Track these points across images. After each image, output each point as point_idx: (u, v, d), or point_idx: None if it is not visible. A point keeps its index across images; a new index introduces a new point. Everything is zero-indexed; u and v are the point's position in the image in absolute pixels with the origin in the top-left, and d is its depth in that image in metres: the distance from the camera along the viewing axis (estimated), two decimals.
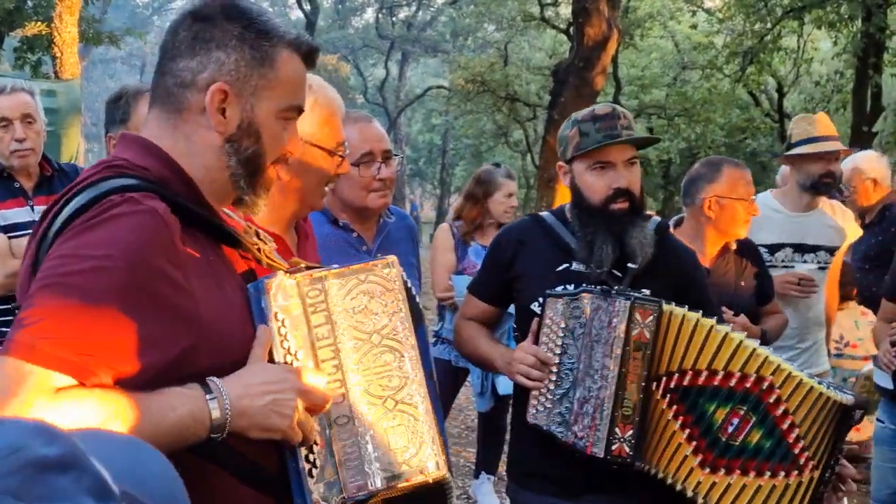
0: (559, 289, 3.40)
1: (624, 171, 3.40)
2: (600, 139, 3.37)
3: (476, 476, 7.14)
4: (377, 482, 2.14)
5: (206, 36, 2.02)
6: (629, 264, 3.41)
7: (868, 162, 6.56)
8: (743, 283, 4.68)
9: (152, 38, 37.12)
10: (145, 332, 1.79)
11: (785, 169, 6.90)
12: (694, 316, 3.15)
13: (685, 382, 3.14)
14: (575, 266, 3.47)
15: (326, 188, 2.76)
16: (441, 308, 6.81)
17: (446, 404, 6.78)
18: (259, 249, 2.19)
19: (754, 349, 3.09)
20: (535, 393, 3.34)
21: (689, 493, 3.12)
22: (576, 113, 3.57)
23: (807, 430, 3.06)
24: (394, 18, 46.30)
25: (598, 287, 3.30)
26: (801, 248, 5.36)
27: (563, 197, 19.03)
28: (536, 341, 3.38)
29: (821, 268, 5.41)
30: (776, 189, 5.73)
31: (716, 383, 3.11)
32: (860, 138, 18.07)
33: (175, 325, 1.85)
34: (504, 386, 6.46)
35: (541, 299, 3.40)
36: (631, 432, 3.13)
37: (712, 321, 3.14)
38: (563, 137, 3.54)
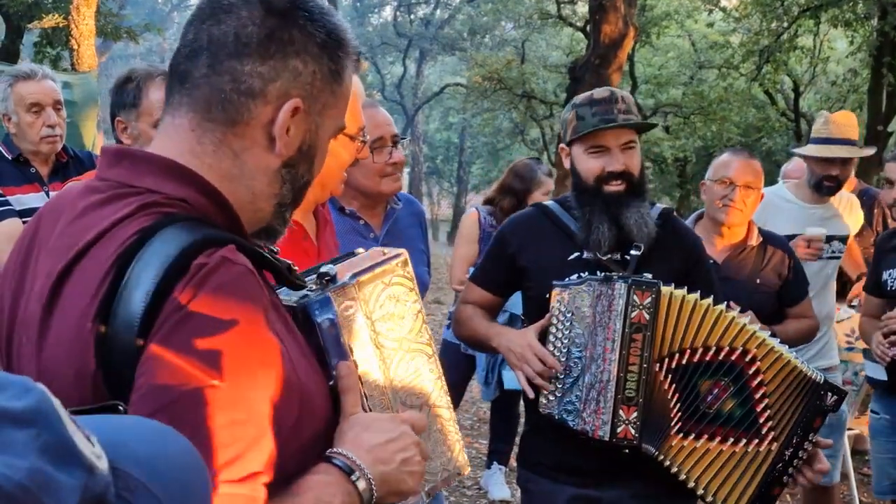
0: (573, 278, 3.39)
1: (620, 154, 3.40)
2: (595, 123, 3.38)
3: (488, 466, 7.12)
4: (425, 496, 2.12)
5: (285, 37, 1.65)
6: (632, 251, 3.41)
7: None
8: (759, 281, 4.59)
9: (171, 34, 37.25)
10: (280, 419, 1.51)
11: (788, 164, 6.97)
12: (692, 297, 3.19)
13: (684, 361, 3.19)
14: (586, 255, 3.46)
15: (344, 176, 2.71)
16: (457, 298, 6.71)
17: (458, 390, 6.76)
18: (289, 270, 1.80)
19: (744, 325, 3.18)
20: (549, 386, 3.34)
21: (682, 477, 3.17)
22: (576, 97, 3.59)
23: (775, 402, 3.17)
24: (412, 16, 46.29)
25: (602, 274, 3.32)
26: None
27: None
28: (545, 335, 3.38)
29: (833, 258, 5.45)
30: (790, 181, 5.75)
31: (708, 358, 3.18)
32: (876, 138, 18.01)
33: (290, 399, 1.55)
34: (510, 380, 6.42)
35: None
36: (635, 414, 3.15)
37: (709, 301, 3.20)
38: (563, 121, 3.57)
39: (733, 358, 3.18)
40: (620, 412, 3.15)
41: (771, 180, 5.19)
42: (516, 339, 3.45)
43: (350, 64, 1.77)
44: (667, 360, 3.20)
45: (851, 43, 21.68)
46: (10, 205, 4.42)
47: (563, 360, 3.31)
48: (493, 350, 3.68)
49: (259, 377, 1.47)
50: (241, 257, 1.53)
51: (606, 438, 3.16)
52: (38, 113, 4.54)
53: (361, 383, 1.84)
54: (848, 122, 5.35)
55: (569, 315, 3.31)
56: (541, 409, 3.36)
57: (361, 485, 1.63)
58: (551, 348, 3.34)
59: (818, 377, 3.16)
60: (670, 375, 3.19)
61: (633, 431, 3.15)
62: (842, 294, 6.43)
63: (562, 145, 3.60)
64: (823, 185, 5.34)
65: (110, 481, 0.92)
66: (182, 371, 1.40)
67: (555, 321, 3.35)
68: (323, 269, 1.89)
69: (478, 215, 6.59)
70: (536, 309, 3.50)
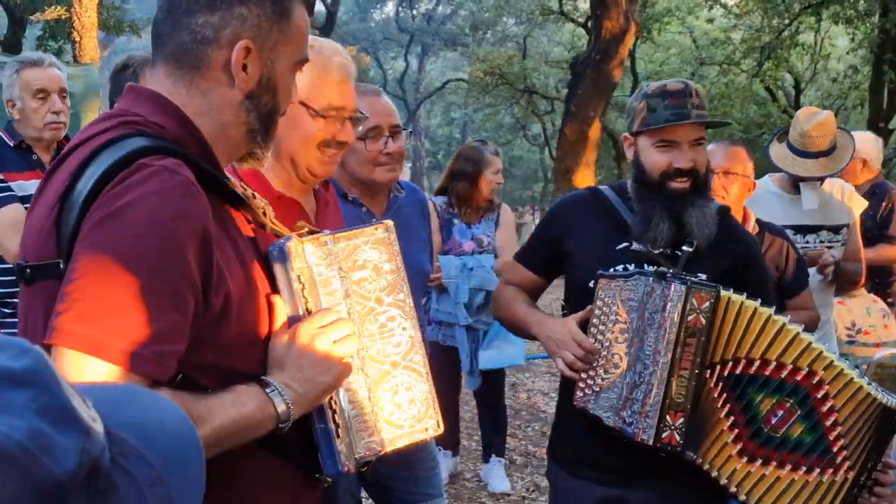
0: (619, 269, 3.29)
1: (689, 151, 3.27)
2: (667, 117, 3.25)
3: (486, 460, 7.09)
4: (386, 443, 2.18)
5: None
6: (684, 246, 3.30)
7: (860, 142, 6.56)
8: None
9: None
10: (195, 315, 1.78)
11: None
12: (752, 304, 3.02)
13: (738, 371, 3.03)
14: (635, 246, 3.34)
15: (328, 156, 2.71)
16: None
17: (452, 384, 6.80)
18: (264, 213, 2.11)
19: (809, 343, 2.99)
20: (582, 376, 3.24)
21: (723, 481, 3.04)
22: (648, 86, 3.47)
23: (848, 429, 2.99)
24: (414, 12, 46.30)
25: (654, 269, 3.18)
26: (801, 229, 5.37)
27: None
28: (586, 325, 3.27)
29: (826, 247, 5.41)
30: (774, 173, 5.73)
31: (767, 374, 3.01)
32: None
33: (214, 302, 1.83)
34: (485, 360, 6.50)
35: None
36: (682, 420, 3.01)
37: (770, 310, 3.02)
38: (631, 109, 3.43)
39: (798, 379, 3.00)
40: (667, 417, 3.01)
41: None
42: (557, 327, 3.35)
43: (297, 5, 2.04)
44: (718, 367, 3.04)
45: (852, 40, 21.70)
46: (12, 190, 4.43)
47: (603, 353, 3.20)
48: (531, 337, 3.59)
49: (173, 270, 1.74)
50: (185, 170, 1.80)
51: (650, 442, 3.02)
52: (44, 99, 4.54)
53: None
54: (823, 133, 5.27)
55: (614, 308, 3.19)
56: (575, 403, 3.27)
57: (276, 399, 1.91)
58: (592, 340, 3.23)
59: (889, 401, 2.98)
60: (721, 383, 3.04)
61: (678, 437, 3.01)
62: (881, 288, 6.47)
63: (625, 134, 3.48)
64: (798, 183, 5.34)
65: (105, 445, 0.93)
66: (101, 247, 1.71)
67: (598, 312, 3.24)
68: (306, 228, 2.19)
69: (433, 206, 6.53)
70: (577, 295, 3.40)
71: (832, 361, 2.98)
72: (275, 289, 2.05)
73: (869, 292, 6.27)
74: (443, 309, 6.49)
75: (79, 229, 1.74)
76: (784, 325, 3.00)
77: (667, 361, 3.00)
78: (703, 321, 2.98)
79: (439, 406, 2.33)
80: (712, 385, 3.03)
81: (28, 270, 1.84)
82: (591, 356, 3.19)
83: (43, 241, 1.82)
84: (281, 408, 1.90)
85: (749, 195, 4.67)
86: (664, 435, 3.00)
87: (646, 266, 3.22)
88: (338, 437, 2.08)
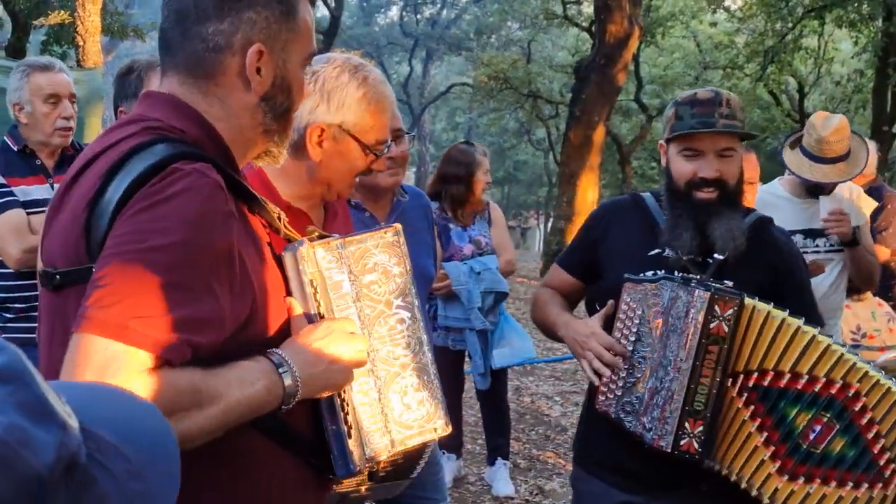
0: (648, 274, 3.23)
1: (715, 160, 3.21)
2: (692, 125, 3.21)
3: (490, 463, 7.05)
4: (397, 443, 2.19)
5: None
6: (716, 254, 3.22)
7: None
8: None
9: None
10: (220, 308, 1.78)
11: None
12: (780, 314, 2.96)
13: (765, 383, 2.97)
14: (667, 252, 3.28)
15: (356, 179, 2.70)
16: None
17: (456, 387, 6.79)
18: (279, 218, 2.10)
19: (842, 354, 2.92)
20: (604, 380, 3.20)
21: (766, 501, 2.97)
22: (681, 94, 3.43)
23: (894, 441, 2.92)
24: (418, 16, 46.33)
25: (680, 275, 3.13)
26: (811, 233, 5.34)
27: (584, 194, 19.09)
28: (611, 327, 3.25)
29: (835, 250, 5.38)
30: (784, 177, 5.72)
31: (799, 387, 2.95)
32: (880, 138, 18.00)
33: (241, 299, 1.84)
34: (499, 359, 6.51)
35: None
36: (701, 428, 2.96)
37: (799, 321, 2.96)
38: (665, 117, 3.41)
39: (833, 392, 2.93)
40: (686, 425, 2.96)
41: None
42: (581, 328, 3.33)
43: (301, 0, 2.04)
44: (742, 377, 2.98)
45: (856, 44, 21.70)
46: (14, 195, 4.41)
47: (626, 357, 3.17)
48: (559, 339, 3.56)
49: (196, 265, 1.75)
50: (214, 173, 1.82)
51: (668, 449, 2.97)
52: (55, 104, 4.50)
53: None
54: (840, 135, 5.22)
55: (638, 312, 3.16)
56: (597, 406, 3.24)
57: (287, 380, 1.90)
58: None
59: None
60: (746, 394, 2.98)
61: (696, 445, 2.96)
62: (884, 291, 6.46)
63: (661, 141, 3.44)
64: (816, 189, 5.33)
65: (81, 440, 0.93)
66: (131, 241, 1.73)
67: (622, 315, 3.21)
68: (316, 233, 2.20)
69: None
70: (607, 298, 3.34)
71: (867, 372, 2.92)
72: (288, 292, 2.06)
73: (874, 295, 6.26)
74: (451, 315, 6.48)
75: (108, 234, 1.75)
76: (814, 336, 2.93)
77: (688, 368, 2.96)
78: (726, 329, 2.94)
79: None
80: (735, 395, 2.98)
81: (58, 277, 1.85)
82: (614, 357, 3.16)
83: (72, 248, 1.82)
84: (288, 382, 1.90)
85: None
86: (682, 442, 2.96)
87: (676, 273, 3.16)
88: (349, 437, 2.09)
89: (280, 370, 1.89)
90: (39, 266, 1.96)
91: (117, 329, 1.66)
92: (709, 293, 2.93)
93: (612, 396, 3.18)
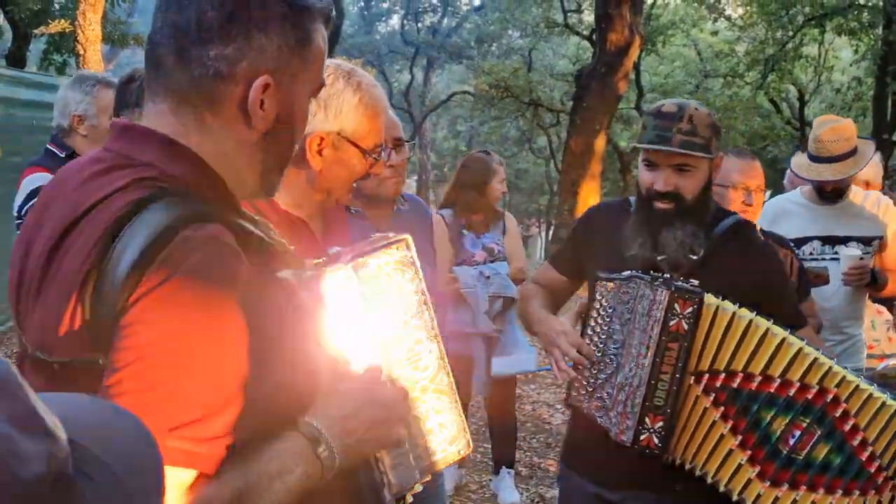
0: (625, 273, 3.26)
1: (672, 174, 3.25)
2: (650, 139, 3.26)
3: (496, 472, 7.08)
4: (424, 472, 2.15)
5: (245, 17, 1.68)
6: (691, 255, 3.28)
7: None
8: None
9: None
10: (249, 392, 1.60)
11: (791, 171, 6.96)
12: (747, 315, 2.99)
13: (734, 384, 2.99)
14: (647, 253, 3.33)
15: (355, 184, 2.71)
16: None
17: (462, 395, 6.81)
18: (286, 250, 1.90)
19: (815, 358, 2.93)
20: (575, 375, 3.28)
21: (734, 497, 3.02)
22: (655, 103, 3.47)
23: (883, 449, 2.93)
24: (419, 24, 46.26)
25: (649, 274, 3.17)
26: (830, 240, 5.35)
27: (585, 202, 19.07)
28: (584, 326, 3.31)
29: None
30: (805, 186, 5.68)
31: (772, 391, 2.96)
32: (880, 146, 17.94)
33: (265, 369, 1.65)
34: (497, 366, 6.55)
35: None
36: (661, 424, 3.02)
37: (768, 323, 2.98)
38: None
39: (809, 397, 2.93)
40: (646, 419, 3.03)
41: (778, 188, 5.18)
42: (554, 325, 3.38)
43: (318, 26, 1.81)
44: (708, 376, 3.02)
45: (856, 52, 21.72)
46: None
47: (598, 353, 3.23)
48: (534, 334, 3.61)
49: (225, 347, 1.56)
50: (227, 235, 1.61)
51: (629, 443, 3.05)
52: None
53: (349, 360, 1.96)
54: (842, 135, 5.25)
55: (609, 310, 3.23)
56: (569, 401, 3.35)
57: (325, 455, 1.73)
58: (588, 340, 3.27)
59: None
60: (714, 394, 3.01)
61: (656, 440, 3.02)
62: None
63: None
64: (822, 192, 5.36)
65: (69, 453, 0.92)
66: (157, 336, 1.50)
67: (594, 314, 3.28)
68: (330, 251, 2.04)
69: (441, 219, 6.58)
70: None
71: (845, 377, 2.93)
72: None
73: (873, 302, 6.27)
74: (458, 319, 6.49)
75: (120, 319, 1.52)
76: (784, 339, 2.96)
77: (648, 364, 3.01)
78: (686, 327, 2.98)
79: None
80: (702, 393, 3.03)
81: (56, 366, 1.60)
82: (581, 353, 3.23)
83: (72, 336, 1.57)
84: (326, 460, 1.75)
85: None
86: (642, 437, 3.03)
87: (651, 272, 3.21)
88: (383, 485, 2.03)
89: (318, 449, 1.73)
90: (23, 344, 1.71)
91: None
92: (669, 291, 2.98)
93: (583, 392, 3.27)
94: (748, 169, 4.58)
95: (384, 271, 2.06)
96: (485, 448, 7.89)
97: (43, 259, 1.66)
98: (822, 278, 5.27)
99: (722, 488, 3.02)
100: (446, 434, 2.21)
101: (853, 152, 5.24)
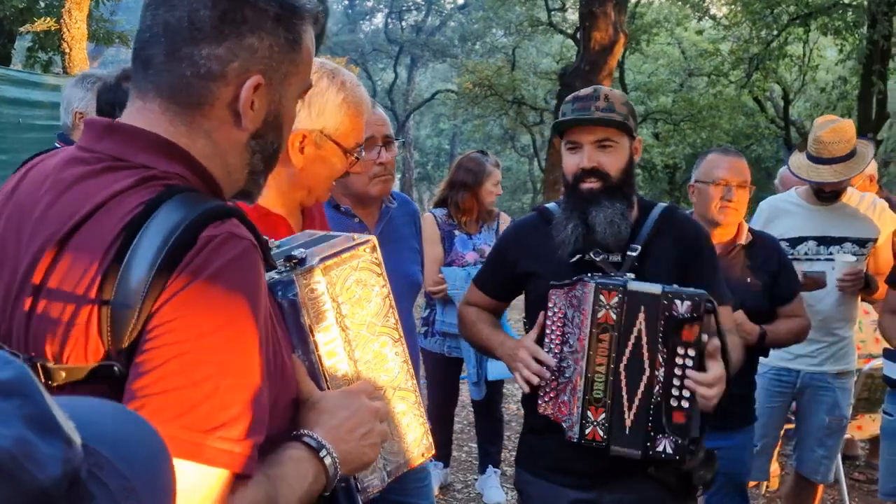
0: (573, 279, 3.31)
1: (595, 151, 3.32)
2: (569, 118, 3.34)
3: (482, 471, 7.09)
4: (389, 476, 2.13)
5: (237, 17, 1.67)
6: (628, 252, 3.33)
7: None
8: (750, 280, 4.57)
9: None
10: (270, 394, 1.60)
11: (783, 171, 6.93)
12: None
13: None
14: (588, 257, 3.35)
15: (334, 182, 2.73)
16: (430, 300, 6.70)
17: (451, 396, 6.85)
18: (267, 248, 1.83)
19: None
20: (541, 384, 3.31)
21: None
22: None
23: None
24: (403, 23, 46.32)
25: (593, 274, 3.24)
26: (825, 241, 5.36)
27: None
28: (542, 336, 3.35)
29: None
30: (800, 187, 5.67)
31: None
32: None
33: (271, 377, 1.63)
34: (493, 371, 6.51)
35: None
36: (603, 415, 3.09)
37: None
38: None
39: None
40: (589, 413, 3.11)
41: (760, 187, 5.15)
42: (515, 344, 3.45)
43: (308, 27, 1.80)
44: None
45: (841, 51, 21.81)
46: None
47: (556, 360, 3.28)
48: (497, 357, 3.65)
49: (256, 345, 1.54)
50: (245, 230, 1.60)
51: (576, 439, 3.13)
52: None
53: (322, 364, 1.93)
54: (841, 135, 5.25)
55: (560, 316, 3.29)
56: (539, 411, 3.33)
57: (328, 461, 1.73)
58: (546, 350, 3.31)
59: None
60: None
61: (601, 433, 3.10)
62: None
63: (557, 139, 3.56)
64: (820, 194, 5.35)
65: (83, 456, 0.92)
66: (190, 336, 1.48)
67: (549, 322, 3.33)
68: (293, 253, 1.95)
69: (433, 218, 6.65)
70: (537, 311, 3.43)
71: None
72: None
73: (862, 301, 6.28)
74: (448, 321, 6.44)
75: (146, 323, 1.49)
76: None
77: (584, 358, 3.12)
78: (614, 317, 3.09)
79: (435, 417, 2.29)
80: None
81: (63, 374, 1.52)
82: (544, 367, 3.28)
83: (83, 343, 1.51)
84: (329, 468, 1.75)
85: None
86: (587, 431, 3.12)
87: (591, 273, 3.28)
88: (357, 490, 2.00)
89: (321, 454, 1.74)
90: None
91: (192, 448, 1.45)
92: (593, 284, 3.11)
93: (548, 399, 3.30)
94: (729, 165, 4.59)
95: (351, 274, 2.02)
96: (470, 447, 7.88)
97: (42, 268, 1.57)
98: (820, 283, 5.26)
99: (636, 454, 3.10)
100: (411, 437, 2.19)
101: (853, 154, 5.24)
